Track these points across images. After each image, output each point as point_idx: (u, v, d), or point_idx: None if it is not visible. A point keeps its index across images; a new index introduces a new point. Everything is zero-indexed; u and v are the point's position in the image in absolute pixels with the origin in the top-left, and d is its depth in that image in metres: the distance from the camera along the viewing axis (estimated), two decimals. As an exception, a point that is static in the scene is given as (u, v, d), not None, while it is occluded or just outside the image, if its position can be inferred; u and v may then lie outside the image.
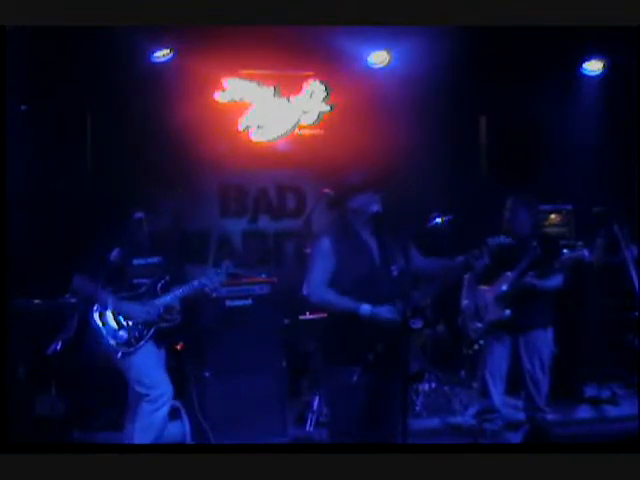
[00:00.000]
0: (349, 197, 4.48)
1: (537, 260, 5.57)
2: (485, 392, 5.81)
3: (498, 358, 5.75)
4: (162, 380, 5.00)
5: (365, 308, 4.33)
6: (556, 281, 5.66)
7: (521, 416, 5.97)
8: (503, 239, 5.11)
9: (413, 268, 4.61)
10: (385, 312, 4.30)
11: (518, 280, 5.59)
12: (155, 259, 5.01)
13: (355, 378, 4.32)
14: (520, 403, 6.03)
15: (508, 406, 6.08)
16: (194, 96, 7.36)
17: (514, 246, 5.62)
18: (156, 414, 4.95)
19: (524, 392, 5.84)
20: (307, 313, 6.50)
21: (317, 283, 4.45)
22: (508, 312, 5.63)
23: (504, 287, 5.64)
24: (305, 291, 4.59)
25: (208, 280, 5.04)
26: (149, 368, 4.97)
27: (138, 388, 4.95)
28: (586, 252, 5.64)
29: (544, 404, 5.78)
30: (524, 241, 5.63)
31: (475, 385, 6.20)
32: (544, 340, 5.76)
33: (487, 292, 5.72)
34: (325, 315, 4.61)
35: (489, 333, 5.79)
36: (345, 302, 4.37)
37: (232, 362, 5.92)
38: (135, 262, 4.94)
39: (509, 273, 5.63)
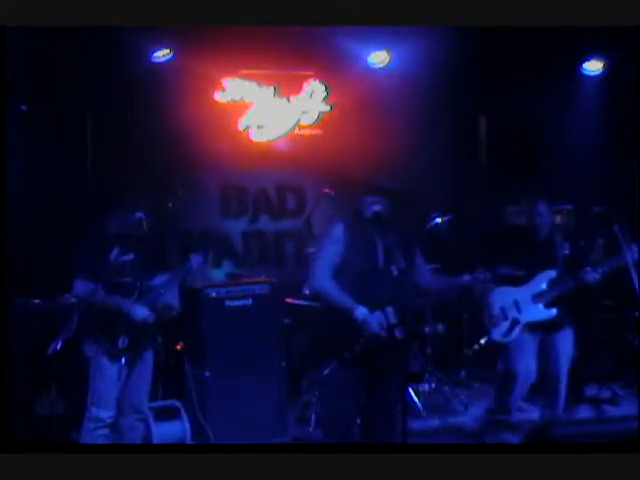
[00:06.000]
0: (358, 194, 4.54)
1: (573, 257, 5.49)
2: (506, 392, 5.58)
3: (527, 359, 5.52)
4: (107, 405, 4.83)
5: (360, 312, 4.35)
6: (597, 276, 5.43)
7: (534, 417, 5.84)
8: (513, 270, 5.14)
9: (420, 284, 4.66)
10: (375, 325, 4.33)
11: (562, 278, 5.46)
12: (136, 257, 4.90)
13: (326, 372, 4.37)
14: (529, 404, 5.96)
15: (524, 409, 5.94)
16: (194, 96, 7.35)
17: (538, 247, 5.54)
18: (96, 433, 4.83)
19: (543, 393, 5.66)
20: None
21: (322, 269, 4.49)
22: (554, 311, 5.46)
23: (543, 285, 5.48)
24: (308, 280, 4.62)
25: (183, 272, 5.01)
26: (103, 384, 4.83)
27: (88, 399, 4.86)
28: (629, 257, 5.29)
29: (562, 407, 5.61)
30: (547, 240, 5.53)
31: (497, 383, 5.83)
32: (569, 340, 5.61)
33: (517, 291, 5.51)
34: (314, 304, 4.64)
35: (518, 332, 5.52)
36: (343, 299, 4.39)
37: (232, 362, 5.92)
38: (117, 260, 4.81)
39: (549, 271, 5.48)
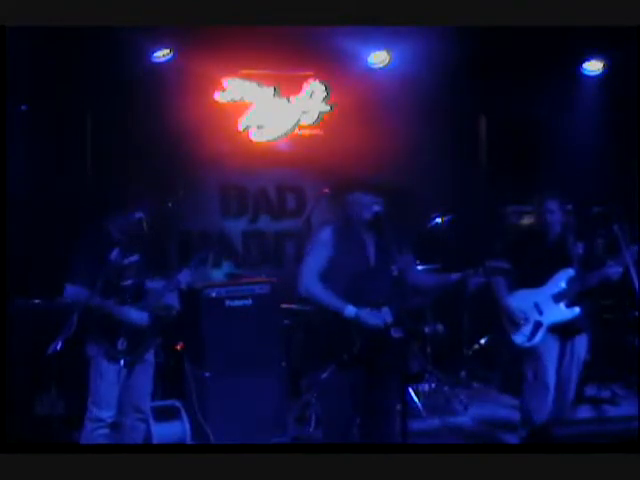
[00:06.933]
0: (351, 194, 4.52)
1: (591, 254, 5.42)
2: (530, 416, 5.48)
3: (549, 365, 5.41)
4: (108, 405, 4.80)
5: (350, 310, 4.35)
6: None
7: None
8: (502, 264, 5.06)
9: (409, 282, 4.63)
10: (369, 317, 4.32)
11: (581, 276, 5.33)
12: (136, 257, 4.88)
13: (325, 375, 4.37)
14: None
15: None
16: (194, 96, 7.35)
17: (551, 246, 5.43)
18: (96, 433, 4.80)
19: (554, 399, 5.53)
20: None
21: (309, 273, 4.47)
22: (577, 310, 5.35)
23: (563, 284, 5.36)
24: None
25: (184, 276, 4.98)
26: (102, 384, 4.80)
27: (89, 398, 4.85)
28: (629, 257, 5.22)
29: (568, 409, 5.60)
30: (559, 240, 5.45)
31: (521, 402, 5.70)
32: (584, 345, 5.50)
33: (535, 293, 5.39)
34: (309, 308, 4.63)
35: (542, 336, 5.38)
36: (332, 300, 4.38)
37: (232, 362, 5.92)
38: (116, 261, 4.79)
39: (568, 269, 5.36)
